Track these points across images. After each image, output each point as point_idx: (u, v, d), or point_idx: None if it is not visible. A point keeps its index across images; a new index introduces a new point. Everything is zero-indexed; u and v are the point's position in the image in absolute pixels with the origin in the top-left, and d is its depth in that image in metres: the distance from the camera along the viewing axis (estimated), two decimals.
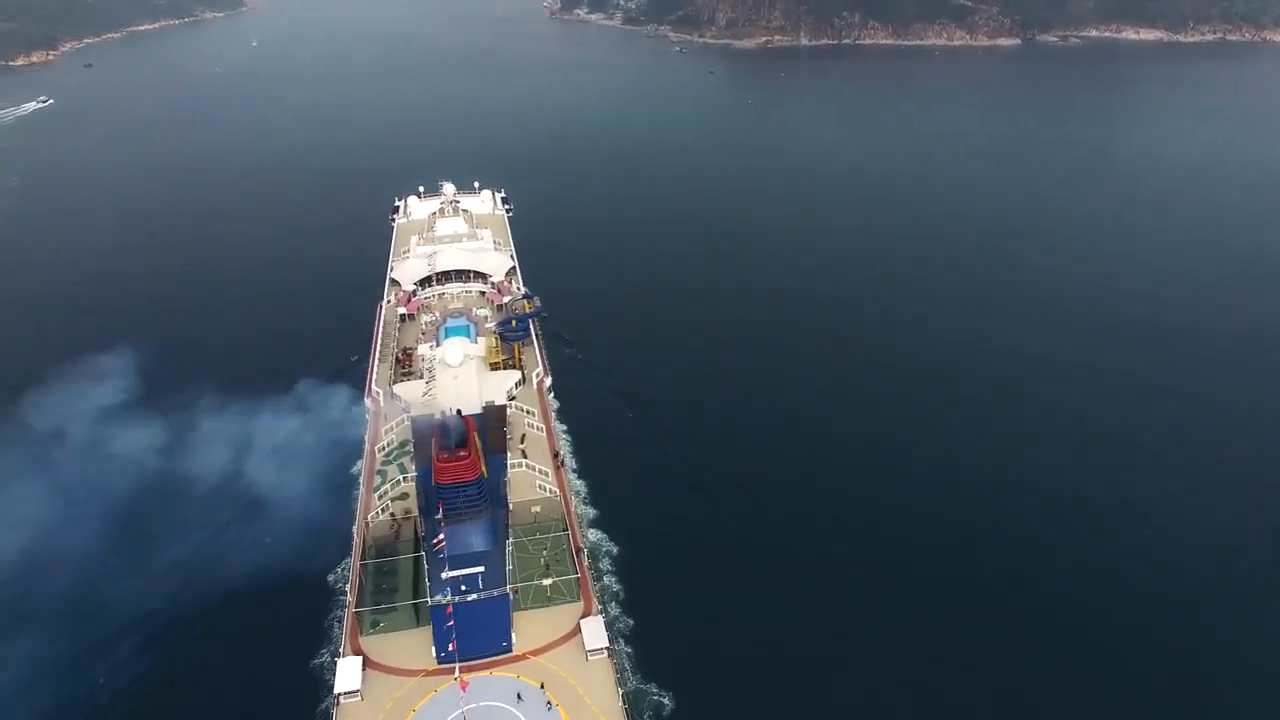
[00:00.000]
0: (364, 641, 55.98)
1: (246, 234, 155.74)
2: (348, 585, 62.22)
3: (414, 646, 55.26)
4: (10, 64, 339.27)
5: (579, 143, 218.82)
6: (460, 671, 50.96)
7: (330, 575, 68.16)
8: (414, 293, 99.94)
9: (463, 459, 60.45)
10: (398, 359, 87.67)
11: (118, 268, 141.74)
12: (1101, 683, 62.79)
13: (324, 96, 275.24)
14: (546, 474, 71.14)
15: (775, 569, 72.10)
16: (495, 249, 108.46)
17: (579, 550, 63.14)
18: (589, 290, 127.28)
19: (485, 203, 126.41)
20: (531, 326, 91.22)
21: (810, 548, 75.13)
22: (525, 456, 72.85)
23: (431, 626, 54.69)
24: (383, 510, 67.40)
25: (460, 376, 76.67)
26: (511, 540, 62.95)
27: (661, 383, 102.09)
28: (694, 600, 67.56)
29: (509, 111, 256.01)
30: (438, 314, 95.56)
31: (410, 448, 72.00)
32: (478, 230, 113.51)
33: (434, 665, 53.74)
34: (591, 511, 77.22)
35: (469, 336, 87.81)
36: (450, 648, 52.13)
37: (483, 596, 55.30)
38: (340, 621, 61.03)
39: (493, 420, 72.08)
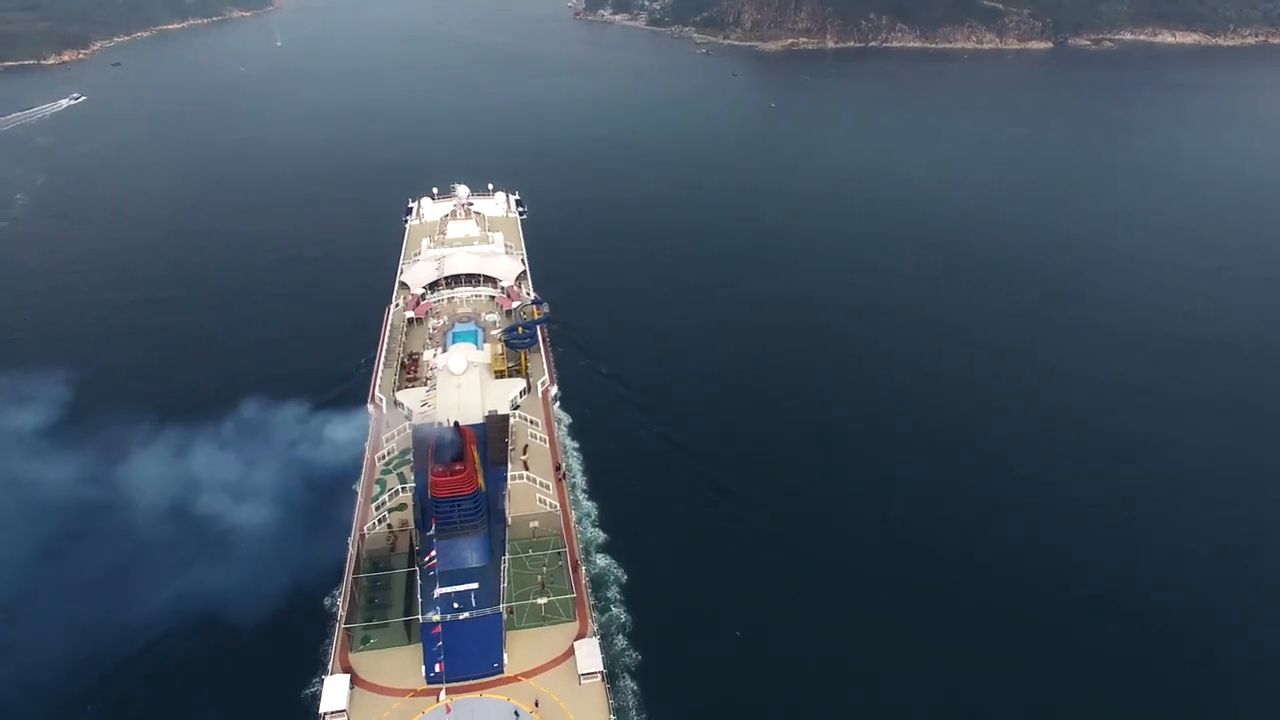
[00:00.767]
0: (353, 658, 54.58)
1: (259, 233, 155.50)
2: (339, 599, 60.77)
3: (404, 665, 53.71)
4: (43, 62, 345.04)
5: (597, 145, 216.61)
6: (446, 693, 49.52)
7: (323, 592, 65.99)
8: (422, 296, 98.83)
9: (459, 472, 58.89)
10: (403, 364, 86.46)
11: (131, 266, 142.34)
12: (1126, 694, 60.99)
13: (343, 98, 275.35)
14: (548, 487, 69.38)
15: (797, 610, 67.85)
16: (506, 253, 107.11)
17: (576, 567, 61.40)
18: (604, 296, 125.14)
19: (498, 205, 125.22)
20: (539, 334, 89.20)
21: (841, 593, 69.92)
22: (527, 468, 71.24)
23: (422, 645, 53.23)
24: (380, 521, 66.10)
25: (463, 385, 75.35)
26: (508, 556, 61.33)
27: (681, 396, 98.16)
28: (705, 643, 64.70)
29: (529, 110, 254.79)
30: (446, 319, 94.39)
31: (410, 457, 70.62)
32: (489, 233, 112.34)
33: (423, 685, 52.15)
34: (601, 535, 74.26)
35: (476, 342, 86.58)
36: (438, 669, 50.68)
37: (475, 615, 53.88)
38: (330, 636, 59.43)
39: (495, 430, 70.26)
